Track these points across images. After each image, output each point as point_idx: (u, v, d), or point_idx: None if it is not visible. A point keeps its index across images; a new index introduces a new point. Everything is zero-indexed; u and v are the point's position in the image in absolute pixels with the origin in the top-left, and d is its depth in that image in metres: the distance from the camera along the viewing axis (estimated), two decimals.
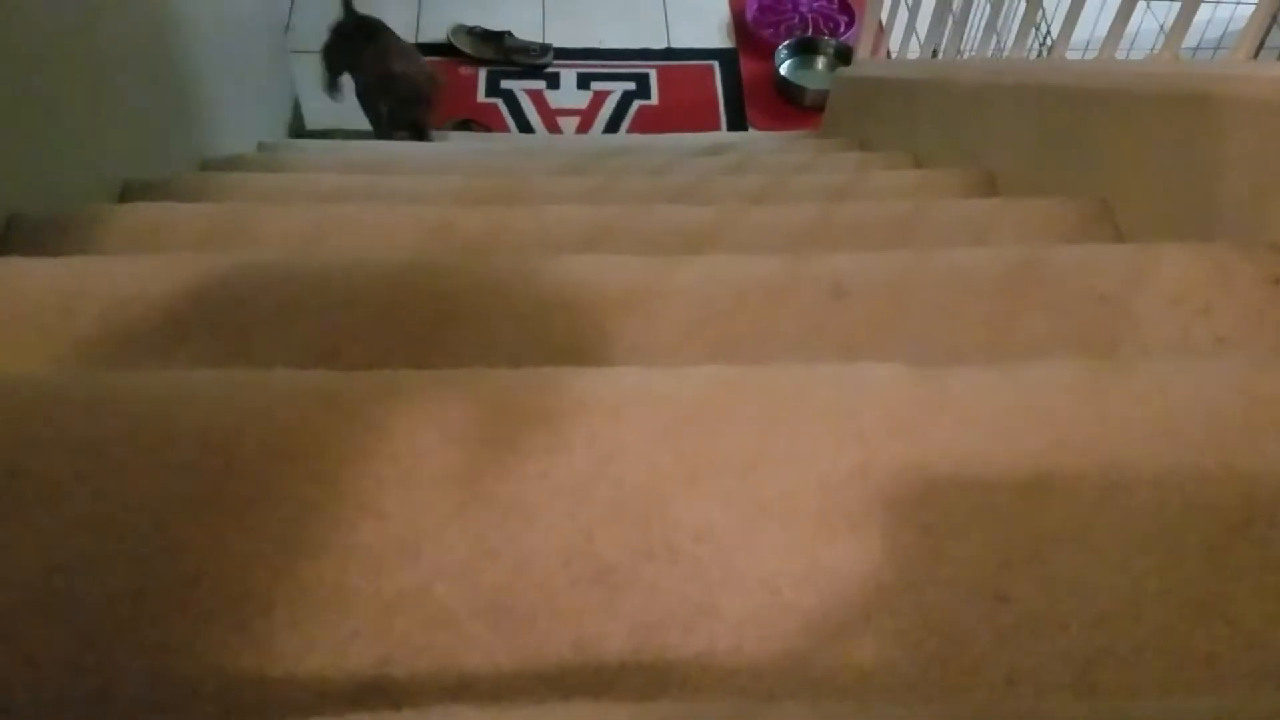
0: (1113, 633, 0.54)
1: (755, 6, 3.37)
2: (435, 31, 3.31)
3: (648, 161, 2.14)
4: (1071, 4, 1.55)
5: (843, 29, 3.32)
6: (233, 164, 1.98)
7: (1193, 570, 0.55)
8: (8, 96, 1.30)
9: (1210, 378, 0.66)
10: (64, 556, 0.54)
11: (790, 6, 3.39)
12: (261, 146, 2.33)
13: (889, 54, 2.73)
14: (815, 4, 3.40)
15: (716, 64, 3.31)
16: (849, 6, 3.37)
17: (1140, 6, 1.42)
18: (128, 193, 1.57)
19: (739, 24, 3.38)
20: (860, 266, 0.97)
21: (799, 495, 0.59)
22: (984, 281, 0.95)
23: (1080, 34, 1.61)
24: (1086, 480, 0.59)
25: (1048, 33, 2.71)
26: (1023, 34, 1.77)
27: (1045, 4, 1.77)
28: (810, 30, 3.33)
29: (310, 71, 3.13)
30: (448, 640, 0.53)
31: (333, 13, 3.33)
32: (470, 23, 3.30)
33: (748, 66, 3.28)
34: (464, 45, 3.27)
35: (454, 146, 2.55)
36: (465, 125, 3.11)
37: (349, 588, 0.54)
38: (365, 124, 3.11)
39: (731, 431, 0.62)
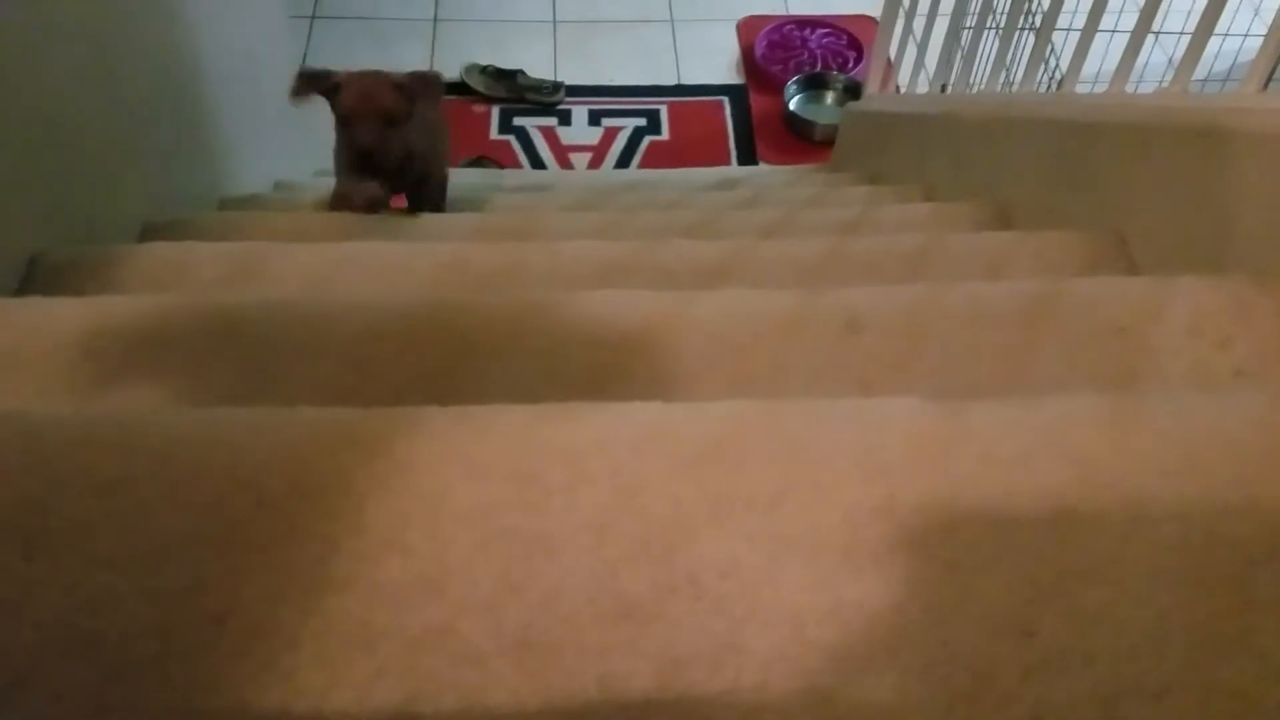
0: (1139, 667, 0.54)
1: (764, 43, 3.40)
2: (449, 70, 3.35)
3: (660, 196, 2.16)
4: (1081, 38, 1.57)
5: (851, 64, 3.35)
6: (250, 203, 2.00)
7: (1218, 604, 0.55)
8: (31, 140, 1.32)
9: (1231, 411, 0.66)
10: (90, 594, 0.54)
11: (799, 43, 3.43)
12: (278, 185, 2.35)
13: (897, 89, 2.75)
14: (824, 40, 3.44)
15: (726, 100, 3.34)
16: (857, 42, 3.39)
17: (1149, 39, 1.43)
18: (147, 232, 1.59)
19: (748, 60, 3.41)
20: (875, 300, 0.98)
21: (823, 530, 0.59)
22: (1001, 315, 0.95)
23: (1089, 67, 1.62)
24: (1110, 515, 0.59)
25: (1056, 66, 2.73)
26: (1032, 68, 1.78)
27: (1054, 38, 1.78)
28: (819, 66, 3.36)
29: (325, 112, 3.17)
30: (473, 677, 0.53)
31: (348, 51, 3.38)
32: (484, 61, 3.35)
33: (757, 102, 3.31)
34: (477, 84, 3.31)
35: (468, 182, 2.56)
36: (479, 162, 3.14)
37: (375, 624, 0.54)
38: None
39: (754, 466, 0.62)
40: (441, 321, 1.01)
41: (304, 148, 2.82)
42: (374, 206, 1.62)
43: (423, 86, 1.58)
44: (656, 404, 0.69)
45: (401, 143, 1.61)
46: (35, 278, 1.30)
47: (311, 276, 1.31)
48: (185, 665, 0.52)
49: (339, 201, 1.64)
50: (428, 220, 1.70)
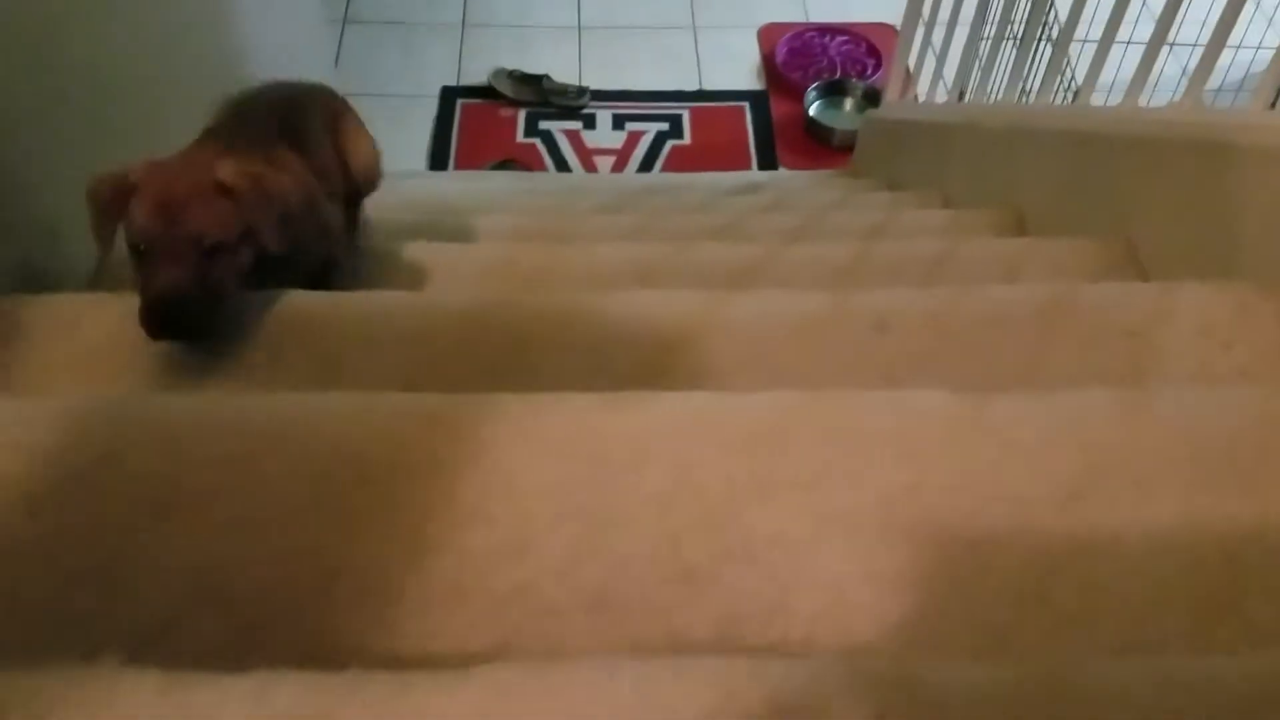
0: (1141, 629, 0.61)
1: (785, 50, 3.46)
2: (477, 75, 3.42)
3: (686, 200, 2.23)
4: (1097, 50, 1.63)
5: (870, 72, 3.41)
6: None
7: (1212, 575, 0.62)
8: (105, 147, 1.40)
9: (1230, 405, 0.73)
10: (219, 554, 0.62)
11: (819, 50, 3.49)
12: None
13: (916, 97, 2.81)
14: (843, 48, 3.50)
15: (747, 105, 3.41)
16: (876, 50, 3.46)
17: (1164, 50, 1.49)
18: None
19: (769, 67, 3.47)
20: (901, 302, 1.05)
21: (859, 508, 0.66)
22: (1018, 317, 1.02)
23: (1105, 76, 1.67)
24: (1117, 497, 0.66)
25: (1072, 78, 2.79)
26: (1049, 78, 1.85)
27: (1070, 50, 1.84)
28: (838, 73, 3.42)
29: (362, 113, 3.23)
30: (555, 629, 0.60)
31: (378, 56, 3.46)
32: (510, 66, 3.42)
33: (777, 107, 3.38)
34: (504, 88, 3.39)
35: (503, 185, 2.63)
36: (505, 165, 3.22)
37: (466, 583, 0.61)
38: (412, 163, 3.22)
39: (797, 450, 0.69)
40: (494, 320, 1.07)
41: None
42: None
43: (263, 196, 0.99)
44: (705, 393, 0.76)
45: (234, 273, 0.98)
46: (102, 273, 1.38)
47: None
48: (306, 617, 0.60)
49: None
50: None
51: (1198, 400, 0.74)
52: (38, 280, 1.18)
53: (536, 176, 3.13)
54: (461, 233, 1.71)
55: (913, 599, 0.62)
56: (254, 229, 0.98)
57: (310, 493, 0.64)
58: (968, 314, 1.03)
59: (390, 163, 3.20)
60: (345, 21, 3.54)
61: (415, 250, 1.41)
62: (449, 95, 3.41)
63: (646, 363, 1.04)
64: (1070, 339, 1.00)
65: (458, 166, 3.21)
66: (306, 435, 0.67)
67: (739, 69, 3.52)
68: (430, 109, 3.35)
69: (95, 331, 0.98)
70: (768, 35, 3.57)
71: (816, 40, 3.52)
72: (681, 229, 1.73)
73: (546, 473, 0.68)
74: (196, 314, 0.93)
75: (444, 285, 1.33)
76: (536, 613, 0.61)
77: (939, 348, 1.00)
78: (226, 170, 0.98)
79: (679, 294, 1.11)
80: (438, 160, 3.23)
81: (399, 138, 3.25)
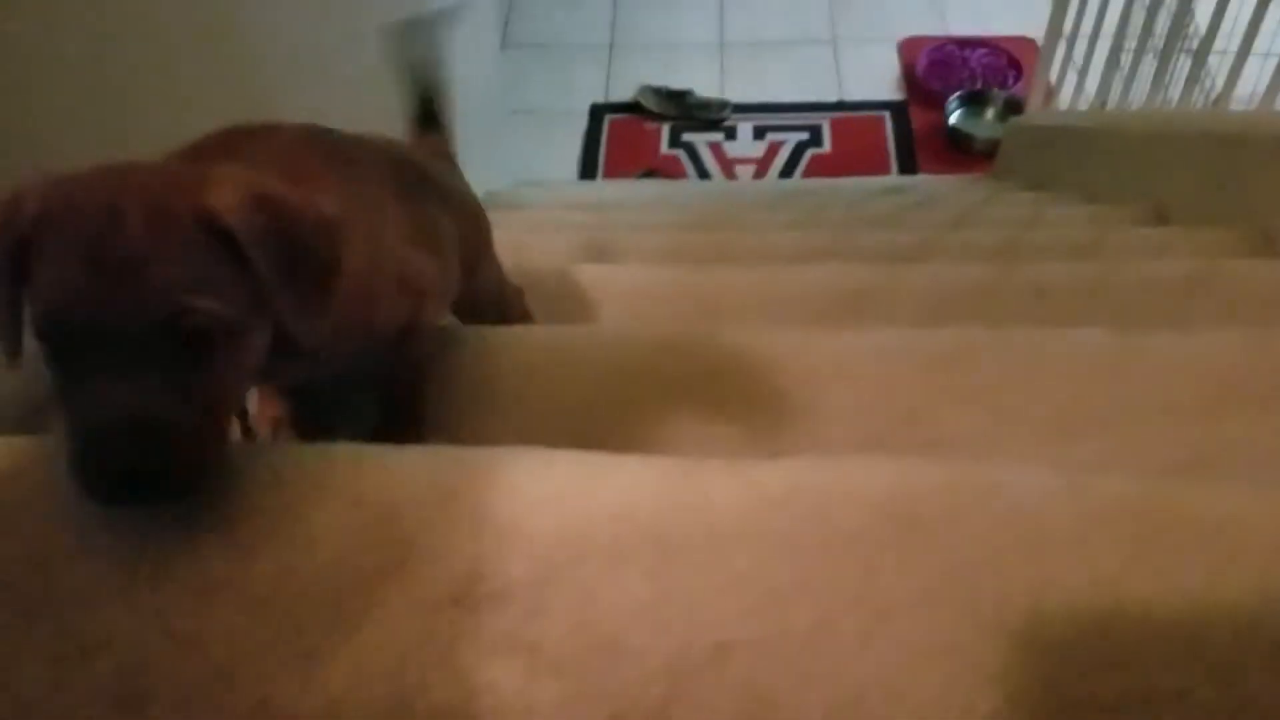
0: None
1: (925, 62, 3.58)
2: (624, 91, 3.64)
3: (836, 199, 2.38)
4: (1235, 59, 1.72)
5: (1011, 82, 3.50)
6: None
7: None
8: None
9: None
10: (525, 435, 0.82)
11: (960, 62, 3.59)
12: (490, 195, 2.66)
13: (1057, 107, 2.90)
14: (984, 60, 3.59)
15: (887, 114, 3.53)
16: (1017, 62, 3.54)
17: None
18: None
19: (909, 78, 3.60)
20: (1057, 272, 1.19)
21: (1029, 413, 0.82)
22: (1164, 286, 1.15)
23: (1243, 89, 1.76)
24: (1247, 410, 0.80)
25: (1212, 85, 2.84)
26: (1188, 88, 1.94)
27: (1209, 60, 1.93)
28: (980, 83, 3.52)
29: (518, 129, 3.49)
30: None
31: (530, 76, 3.71)
32: (656, 83, 3.63)
33: (918, 117, 3.49)
34: (650, 103, 3.60)
35: (658, 189, 2.82)
36: (649, 174, 3.42)
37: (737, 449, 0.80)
38: (564, 174, 3.45)
39: (976, 370, 0.85)
40: (691, 286, 1.25)
41: (505, 159, 3.14)
42: None
43: (289, 236, 0.57)
44: (892, 329, 0.93)
45: (238, 377, 0.60)
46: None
47: (560, 257, 1.59)
48: None
49: None
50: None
51: None
52: None
53: (685, 182, 3.31)
54: (637, 226, 1.90)
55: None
56: (272, 300, 0.57)
57: (582, 395, 0.84)
58: (1118, 282, 1.17)
59: (544, 173, 3.45)
60: (503, 46, 3.81)
61: (603, 239, 1.61)
62: (598, 112, 3.62)
63: (830, 321, 1.20)
64: (1210, 304, 1.13)
65: (606, 177, 3.42)
66: (573, 354, 0.88)
67: (878, 80, 3.65)
68: (580, 124, 3.57)
69: None
70: (908, 48, 3.69)
71: (957, 53, 3.62)
72: (841, 221, 1.88)
73: (766, 383, 0.85)
74: (169, 462, 0.54)
75: (638, 264, 1.52)
76: None
77: (1091, 311, 1.14)
78: (223, 191, 0.55)
79: (854, 266, 1.27)
80: (587, 171, 3.45)
81: (552, 151, 3.50)
